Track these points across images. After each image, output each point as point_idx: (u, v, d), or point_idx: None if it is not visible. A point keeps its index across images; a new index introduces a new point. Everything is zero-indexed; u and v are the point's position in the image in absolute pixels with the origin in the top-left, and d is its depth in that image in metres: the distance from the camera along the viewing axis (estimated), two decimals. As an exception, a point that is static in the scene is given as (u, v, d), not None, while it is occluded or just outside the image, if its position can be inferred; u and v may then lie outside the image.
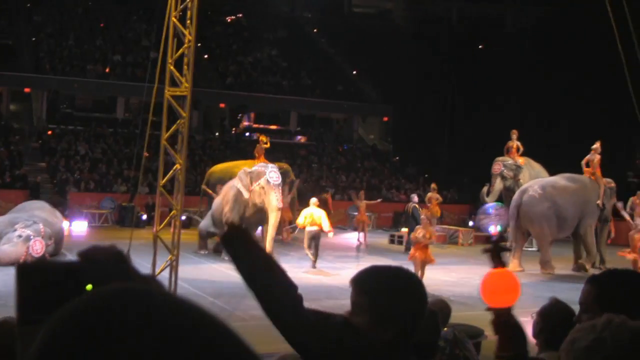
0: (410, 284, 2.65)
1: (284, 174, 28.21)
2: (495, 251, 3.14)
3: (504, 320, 3.08)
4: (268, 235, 21.13)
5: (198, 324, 1.06)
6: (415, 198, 27.45)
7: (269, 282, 2.58)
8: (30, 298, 1.37)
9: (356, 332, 2.55)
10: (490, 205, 29.02)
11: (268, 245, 21.11)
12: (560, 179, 23.71)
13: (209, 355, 1.04)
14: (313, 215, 20.81)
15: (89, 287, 1.34)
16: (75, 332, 1.01)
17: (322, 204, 32.98)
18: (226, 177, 26.31)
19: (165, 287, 1.54)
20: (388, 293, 2.58)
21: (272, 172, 21.28)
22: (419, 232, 17.14)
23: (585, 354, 2.03)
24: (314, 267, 20.72)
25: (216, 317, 1.09)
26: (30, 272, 1.38)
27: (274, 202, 20.85)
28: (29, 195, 29.49)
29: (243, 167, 28.32)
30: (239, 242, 2.66)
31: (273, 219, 20.95)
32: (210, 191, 26.61)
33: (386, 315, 2.55)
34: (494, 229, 26.98)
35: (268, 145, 29.20)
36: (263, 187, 21.04)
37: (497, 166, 28.22)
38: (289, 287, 2.58)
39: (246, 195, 21.23)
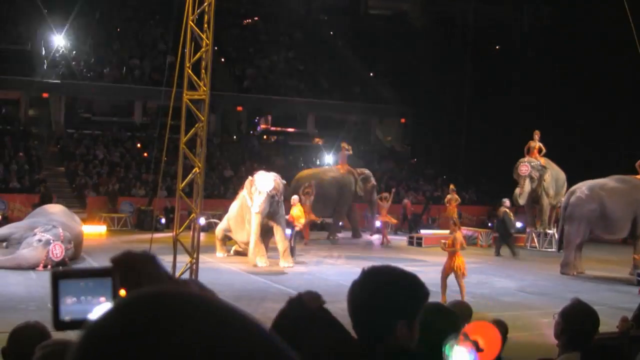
0: (380, 287, 2.63)
1: (365, 179, 29.72)
2: None
3: None
4: (250, 240, 21.18)
5: (239, 328, 1.04)
6: (507, 202, 27.13)
7: None
8: (64, 303, 1.38)
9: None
10: None
11: (250, 253, 21.11)
12: (609, 181, 23.26)
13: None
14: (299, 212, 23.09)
15: (122, 292, 1.35)
16: (110, 340, 1.00)
17: (402, 208, 33.84)
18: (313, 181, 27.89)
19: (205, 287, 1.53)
20: (350, 294, 2.64)
21: (261, 180, 21.28)
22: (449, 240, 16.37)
23: None
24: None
25: (256, 320, 1.08)
26: (64, 279, 1.39)
27: (253, 206, 21.04)
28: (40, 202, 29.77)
29: (328, 172, 29.65)
30: None
31: (253, 223, 21.06)
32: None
33: (356, 319, 2.62)
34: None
35: (350, 151, 30.55)
36: (253, 195, 21.20)
37: (525, 168, 28.19)
38: None
39: (249, 203, 21.36)
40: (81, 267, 1.19)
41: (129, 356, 0.97)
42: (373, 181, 31.14)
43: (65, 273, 1.41)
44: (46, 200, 29.28)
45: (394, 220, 30.46)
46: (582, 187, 23.06)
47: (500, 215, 26.52)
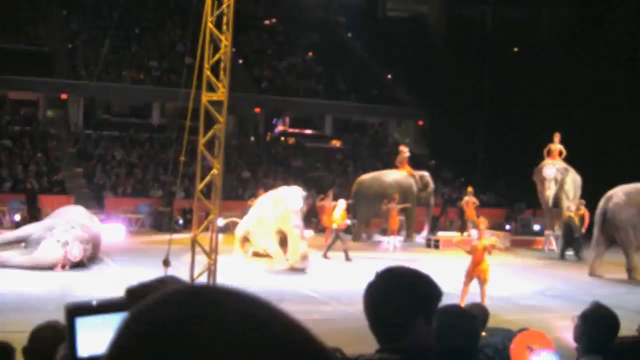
0: (380, 289, 2.70)
1: (425, 184, 29.95)
2: None
3: None
4: (292, 259, 20.96)
5: (272, 319, 1.03)
6: (572, 207, 27.19)
7: None
8: (81, 340, 1.36)
9: None
10: None
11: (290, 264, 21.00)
12: None
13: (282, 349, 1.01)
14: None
15: None
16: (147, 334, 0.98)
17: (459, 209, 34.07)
18: (375, 185, 28.11)
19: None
20: (366, 296, 2.72)
21: (292, 198, 21.25)
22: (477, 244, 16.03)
23: None
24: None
25: (283, 311, 1.06)
26: (79, 316, 1.37)
27: (291, 227, 21.00)
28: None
29: (390, 174, 29.75)
30: None
31: (292, 242, 20.99)
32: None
33: (373, 319, 2.69)
34: None
35: (408, 153, 30.76)
36: (283, 213, 21.14)
37: (551, 170, 28.13)
38: None
39: (271, 220, 21.38)
40: (96, 301, 1.17)
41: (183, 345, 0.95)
42: (432, 184, 31.31)
43: (80, 309, 1.38)
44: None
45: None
46: (619, 193, 22.84)
47: (566, 220, 26.63)
